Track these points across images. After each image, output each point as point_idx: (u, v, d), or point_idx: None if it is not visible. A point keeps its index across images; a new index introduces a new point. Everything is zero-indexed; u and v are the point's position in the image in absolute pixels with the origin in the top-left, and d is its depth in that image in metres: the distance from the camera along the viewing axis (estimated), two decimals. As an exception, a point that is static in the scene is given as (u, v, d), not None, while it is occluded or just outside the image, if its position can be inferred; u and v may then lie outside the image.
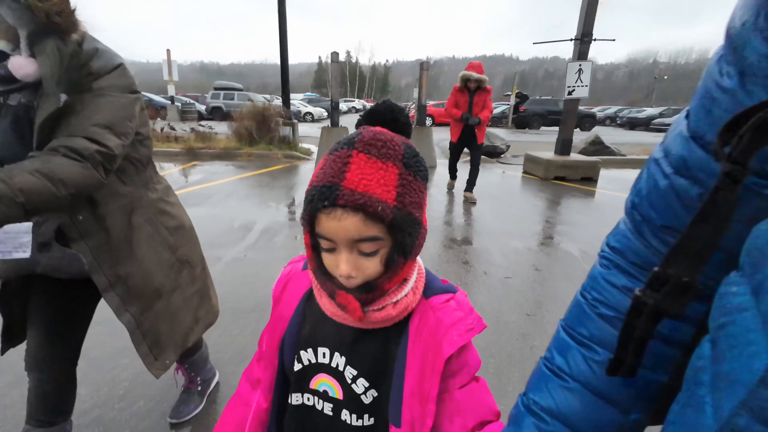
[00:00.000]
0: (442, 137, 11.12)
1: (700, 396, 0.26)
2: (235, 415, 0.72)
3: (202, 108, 20.06)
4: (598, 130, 18.81)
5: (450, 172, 5.69)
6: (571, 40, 6.74)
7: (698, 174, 0.32)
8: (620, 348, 0.37)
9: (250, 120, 8.96)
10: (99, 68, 0.98)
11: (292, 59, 9.60)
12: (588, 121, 20.69)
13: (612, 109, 34.63)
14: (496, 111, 22.54)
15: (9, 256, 0.98)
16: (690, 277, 0.31)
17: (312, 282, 0.62)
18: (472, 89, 4.84)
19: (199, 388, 1.67)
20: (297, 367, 0.65)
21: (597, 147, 9.21)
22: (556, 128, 7.41)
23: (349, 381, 0.62)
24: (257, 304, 2.48)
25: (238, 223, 4.04)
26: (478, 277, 3.00)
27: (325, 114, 24.54)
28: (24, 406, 1.22)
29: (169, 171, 6.75)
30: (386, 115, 0.59)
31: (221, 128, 10.10)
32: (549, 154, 7.31)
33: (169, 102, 17.10)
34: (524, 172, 7.47)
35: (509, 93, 23.73)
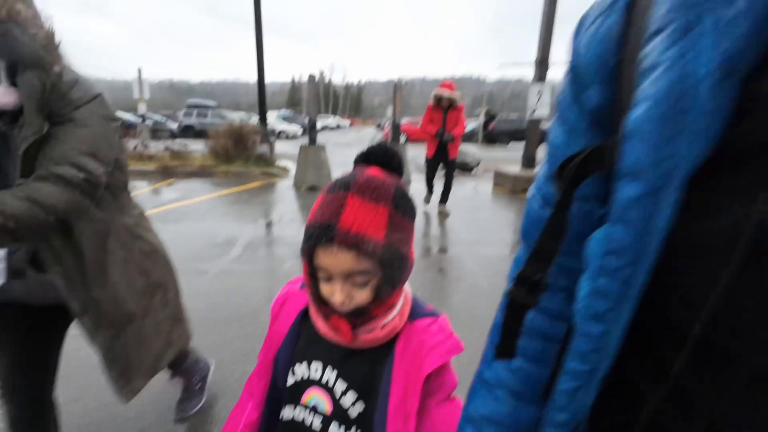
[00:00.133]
0: (416, 154, 11.51)
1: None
2: (234, 425, 0.75)
3: (174, 126, 19.79)
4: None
5: (427, 186, 5.98)
6: (531, 63, 7.29)
7: (551, 203, 0.40)
8: (503, 336, 0.43)
9: (226, 138, 9.00)
10: (79, 98, 1.01)
11: (266, 78, 9.76)
12: (552, 138, 21.71)
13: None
14: (466, 129, 23.40)
15: None
16: (540, 277, 0.38)
17: (309, 303, 0.68)
18: (445, 107, 5.18)
19: (198, 387, 1.76)
20: (290, 381, 0.70)
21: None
22: (524, 143, 7.91)
23: (339, 395, 0.66)
24: (250, 310, 2.61)
25: (222, 238, 4.13)
26: (453, 282, 3.23)
27: (300, 131, 24.66)
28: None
29: (144, 190, 6.71)
30: (380, 158, 0.65)
31: (195, 146, 10.08)
32: (517, 168, 7.76)
33: (140, 120, 16.84)
34: (494, 185, 7.88)
35: (479, 111, 24.72)
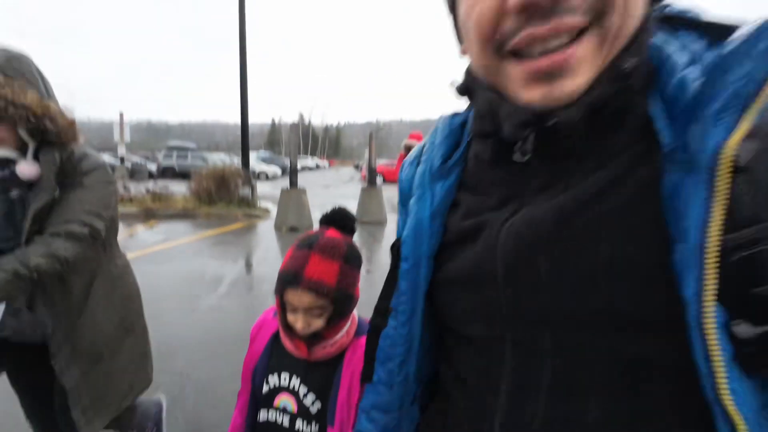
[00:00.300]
0: (392, 194, 12.10)
1: None
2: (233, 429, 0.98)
3: (153, 167, 19.90)
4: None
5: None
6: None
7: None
8: (366, 361, 0.56)
9: (209, 180, 9.30)
10: (87, 168, 1.19)
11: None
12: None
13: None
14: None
15: None
16: (385, 307, 0.52)
17: (279, 328, 0.90)
18: (413, 157, 5.77)
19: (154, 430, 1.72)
20: (265, 389, 0.91)
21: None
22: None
23: (302, 397, 0.87)
24: (238, 338, 2.91)
25: (209, 277, 4.41)
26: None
27: (279, 173, 25.08)
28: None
29: (127, 232, 6.90)
30: (338, 221, 0.91)
31: (175, 187, 10.29)
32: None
33: (119, 162, 16.96)
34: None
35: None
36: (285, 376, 0.90)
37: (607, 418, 0.35)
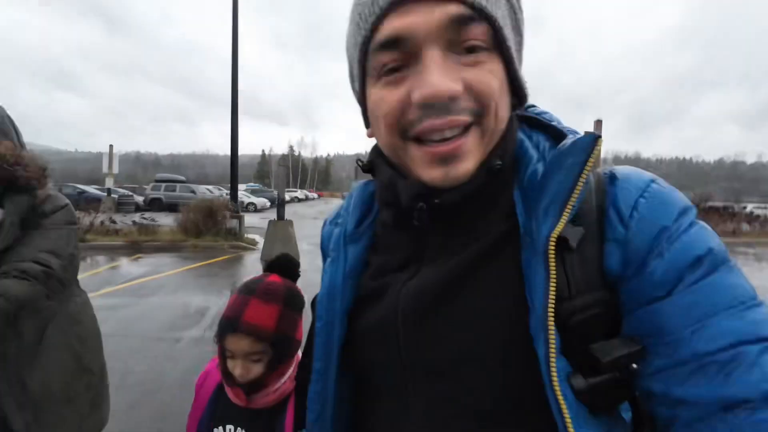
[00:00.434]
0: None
1: None
2: None
3: (140, 199, 19.81)
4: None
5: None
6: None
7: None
8: (296, 414, 0.60)
9: (197, 212, 9.36)
10: (49, 210, 1.21)
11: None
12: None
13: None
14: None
15: None
16: (307, 362, 0.56)
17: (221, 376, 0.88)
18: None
19: None
20: None
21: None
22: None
23: None
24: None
25: (193, 309, 4.44)
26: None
27: (268, 204, 25.12)
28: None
29: (111, 265, 6.87)
30: (282, 268, 0.92)
31: (163, 219, 10.30)
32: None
33: (105, 194, 16.89)
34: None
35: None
36: (230, 428, 0.90)
37: None
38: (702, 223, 0.39)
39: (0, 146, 1.15)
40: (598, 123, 9.77)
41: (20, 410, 1.17)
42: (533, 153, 0.46)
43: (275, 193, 8.68)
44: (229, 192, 10.57)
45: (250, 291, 0.85)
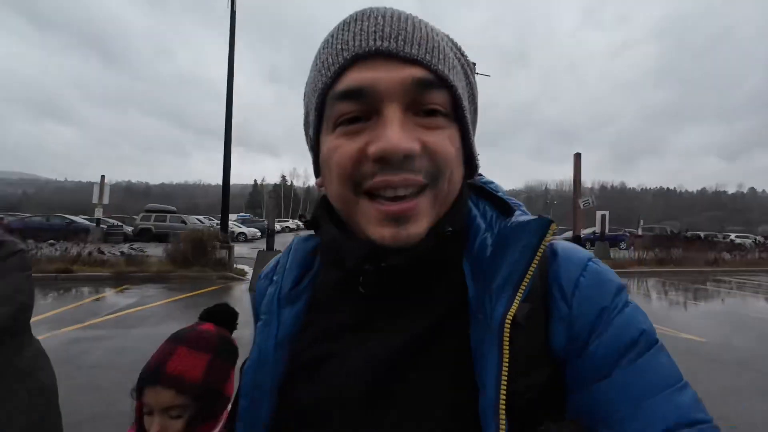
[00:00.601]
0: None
1: None
2: None
3: (129, 229, 19.62)
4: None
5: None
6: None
7: None
8: None
9: (186, 243, 9.33)
10: (1, 256, 1.16)
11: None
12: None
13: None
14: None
15: None
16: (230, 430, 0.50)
17: None
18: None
19: None
20: None
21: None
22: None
23: None
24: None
25: (179, 340, 4.42)
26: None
27: (258, 234, 24.94)
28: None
29: (98, 296, 6.82)
30: (218, 318, 0.85)
31: (152, 249, 10.23)
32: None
33: (94, 224, 16.76)
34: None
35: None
36: None
37: None
38: (633, 302, 0.41)
39: None
40: (578, 156, 10.19)
41: None
42: (481, 222, 0.46)
43: (266, 223, 8.78)
44: (219, 222, 10.60)
45: (178, 339, 0.79)
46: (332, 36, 0.42)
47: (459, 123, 0.42)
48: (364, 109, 0.39)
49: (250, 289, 0.88)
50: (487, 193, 0.49)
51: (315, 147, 0.46)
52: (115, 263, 9.15)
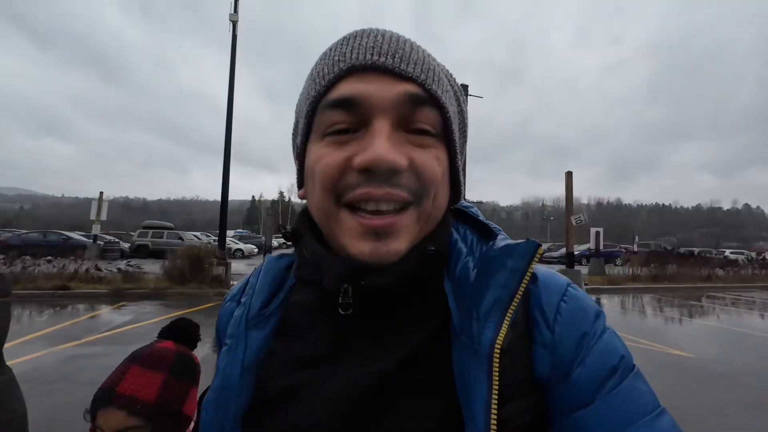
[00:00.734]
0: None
1: None
2: None
3: (125, 246, 19.55)
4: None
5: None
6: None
7: None
8: None
9: (183, 260, 9.34)
10: None
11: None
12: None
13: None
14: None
15: None
16: None
17: None
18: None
19: None
20: None
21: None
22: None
23: None
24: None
25: (175, 357, 4.46)
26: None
27: (256, 250, 24.91)
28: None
29: (94, 313, 6.83)
30: (178, 334, 0.82)
31: (148, 266, 10.20)
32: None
33: (91, 240, 16.74)
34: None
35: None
36: None
37: None
38: (611, 328, 0.41)
39: None
40: (569, 175, 10.40)
41: None
42: (462, 246, 0.45)
43: (263, 239, 8.84)
44: (216, 238, 10.64)
45: (133, 358, 0.76)
46: (330, 49, 0.42)
47: (447, 146, 0.42)
48: (355, 120, 0.39)
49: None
50: (467, 217, 0.49)
51: (301, 156, 0.45)
52: (112, 280, 9.15)
